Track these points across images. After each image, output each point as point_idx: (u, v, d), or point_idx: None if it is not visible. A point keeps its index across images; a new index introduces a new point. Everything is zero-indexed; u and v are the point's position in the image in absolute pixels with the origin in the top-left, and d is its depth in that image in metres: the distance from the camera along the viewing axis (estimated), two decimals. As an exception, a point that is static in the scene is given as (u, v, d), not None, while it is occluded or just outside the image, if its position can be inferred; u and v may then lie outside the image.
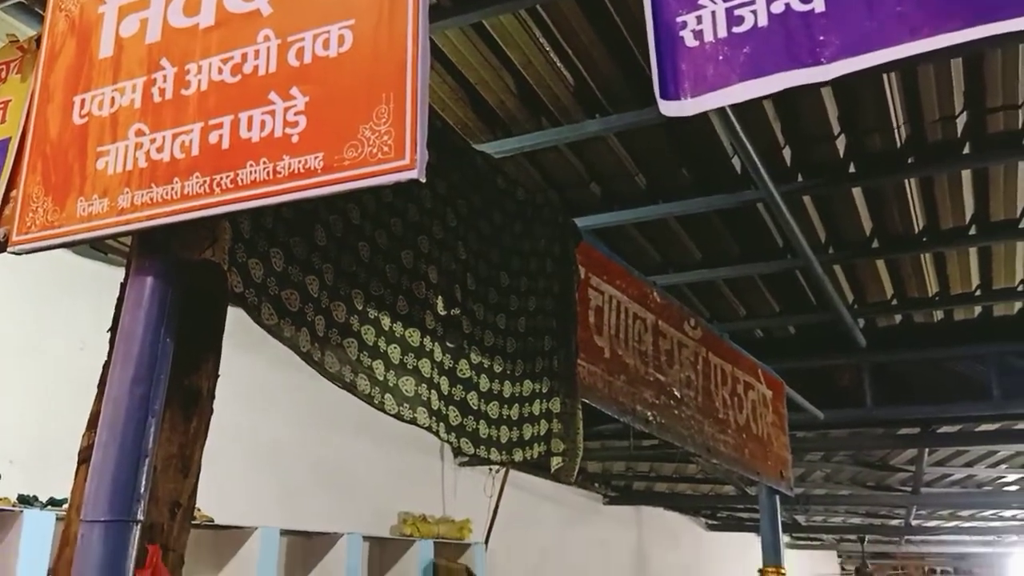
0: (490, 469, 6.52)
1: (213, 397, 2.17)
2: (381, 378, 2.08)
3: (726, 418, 4.11)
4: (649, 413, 3.42)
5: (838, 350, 4.98)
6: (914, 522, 8.83)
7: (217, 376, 2.14)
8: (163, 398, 1.73)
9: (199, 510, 4.08)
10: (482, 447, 2.37)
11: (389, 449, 5.60)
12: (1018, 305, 4.33)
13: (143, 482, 1.57)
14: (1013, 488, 7.23)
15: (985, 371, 4.72)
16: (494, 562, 6.10)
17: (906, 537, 9.87)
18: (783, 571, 4.51)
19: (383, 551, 5.52)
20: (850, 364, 5.06)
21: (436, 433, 2.22)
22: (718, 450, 4.00)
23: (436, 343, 2.27)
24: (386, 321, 2.13)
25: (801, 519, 9.49)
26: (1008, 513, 8.55)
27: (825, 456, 6.64)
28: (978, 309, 4.45)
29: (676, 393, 3.68)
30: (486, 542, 6.12)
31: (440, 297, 2.30)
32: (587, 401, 2.83)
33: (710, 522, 9.82)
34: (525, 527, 6.90)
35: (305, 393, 4.90)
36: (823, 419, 5.05)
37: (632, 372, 3.31)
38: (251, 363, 4.68)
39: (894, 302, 4.35)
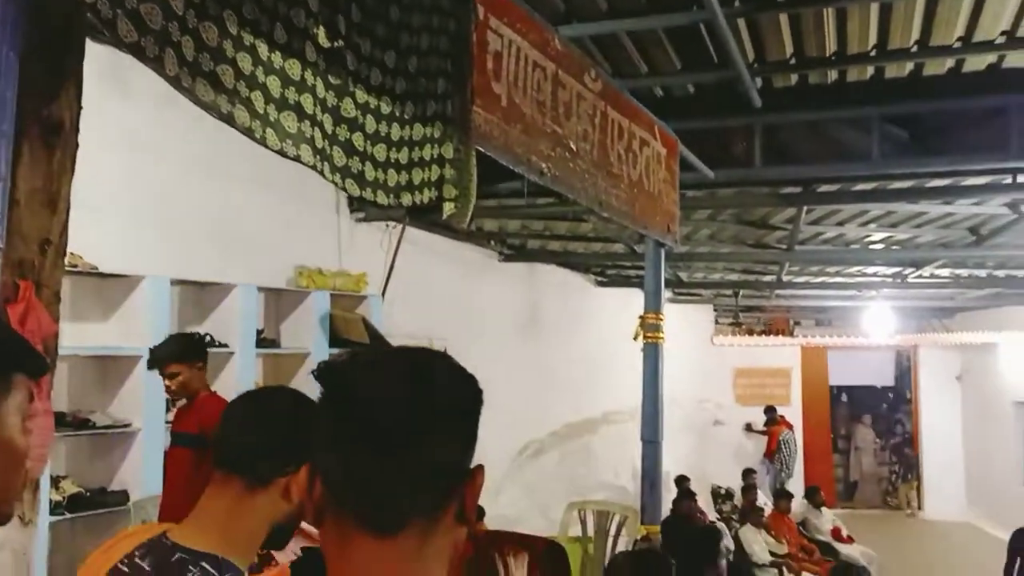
0: (386, 225, 6.53)
1: (77, 130, 2.03)
2: (261, 111, 1.95)
3: (620, 173, 4.16)
4: (544, 165, 3.41)
5: (734, 111, 5.02)
6: (785, 278, 9.50)
7: (80, 107, 1.99)
8: (12, 120, 1.59)
9: (81, 258, 3.96)
10: (368, 189, 2.32)
11: (284, 203, 5.49)
12: (909, 66, 4.39)
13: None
14: (879, 247, 7.80)
15: (867, 137, 4.87)
16: (391, 314, 6.27)
17: (776, 292, 10.65)
18: (661, 317, 4.80)
19: (279, 302, 5.58)
20: (744, 126, 5.12)
21: (321, 172, 2.15)
22: (610, 204, 4.07)
23: (318, 78, 2.13)
24: (263, 50, 1.96)
25: (684, 275, 10.06)
26: (871, 270, 9.28)
27: (711, 215, 6.91)
28: (871, 70, 4.50)
29: (572, 146, 3.66)
30: (383, 295, 6.26)
31: (321, 28, 2.13)
32: (481, 149, 2.77)
33: (599, 279, 10.30)
34: (422, 282, 7.07)
35: (197, 143, 4.67)
36: (713, 178, 5.18)
37: (529, 122, 3.24)
38: (137, 108, 4.39)
39: (792, 61, 4.34)
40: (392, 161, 2.42)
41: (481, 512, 5.92)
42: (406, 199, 2.50)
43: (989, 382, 13.55)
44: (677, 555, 3.25)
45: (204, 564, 1.31)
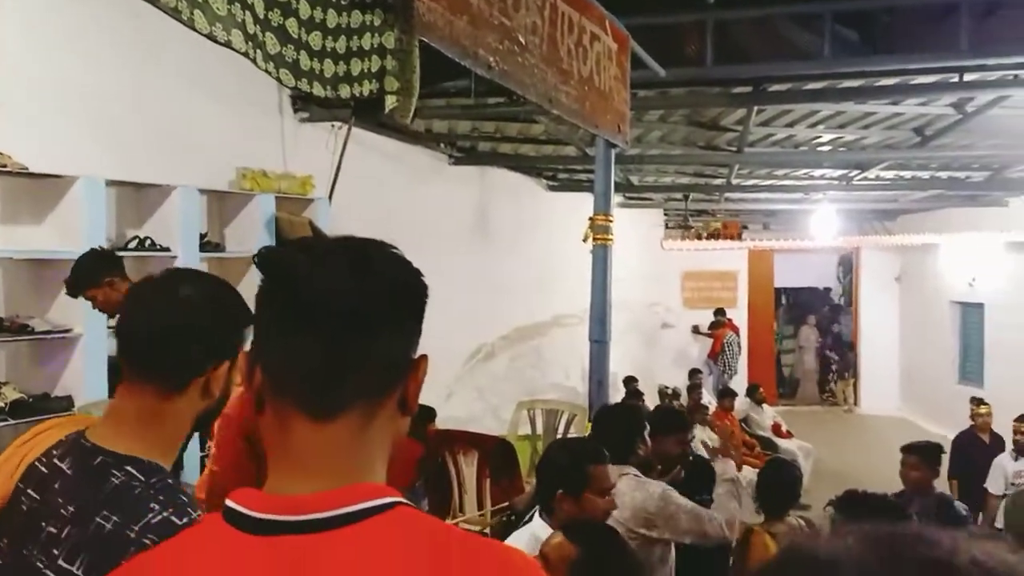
0: (332, 125, 6.35)
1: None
2: (186, -9, 1.83)
3: (570, 69, 4.06)
4: (492, 59, 3.30)
5: (685, 6, 4.93)
6: (735, 181, 9.54)
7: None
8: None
9: (10, 158, 3.78)
10: (304, 80, 2.22)
11: (225, 104, 5.30)
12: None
13: None
14: (827, 148, 7.85)
15: (818, 38, 4.83)
16: (339, 217, 6.17)
17: (726, 196, 10.72)
18: (611, 219, 4.79)
19: (222, 205, 5.44)
20: (695, 23, 5.02)
21: (254, 60, 2.04)
22: (559, 100, 3.99)
23: (248, -44, 2.00)
24: (186, -77, 1.83)
25: (635, 179, 10.05)
26: (818, 172, 9.37)
27: (662, 117, 6.85)
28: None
29: (521, 39, 3.55)
30: (330, 197, 6.13)
31: (250, -100, 1.99)
32: (425, 40, 2.67)
33: (550, 183, 10.24)
34: (370, 185, 6.94)
35: (133, 42, 4.45)
36: (663, 77, 5.10)
37: (475, 13, 3.12)
38: (67, 3, 4.15)
39: (745, -47, 4.24)
40: (328, 50, 2.32)
41: (432, 413, 6.01)
42: (344, 91, 2.40)
43: (927, 283, 14.00)
44: (604, 434, 3.32)
45: (129, 468, 1.24)
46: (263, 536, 0.84)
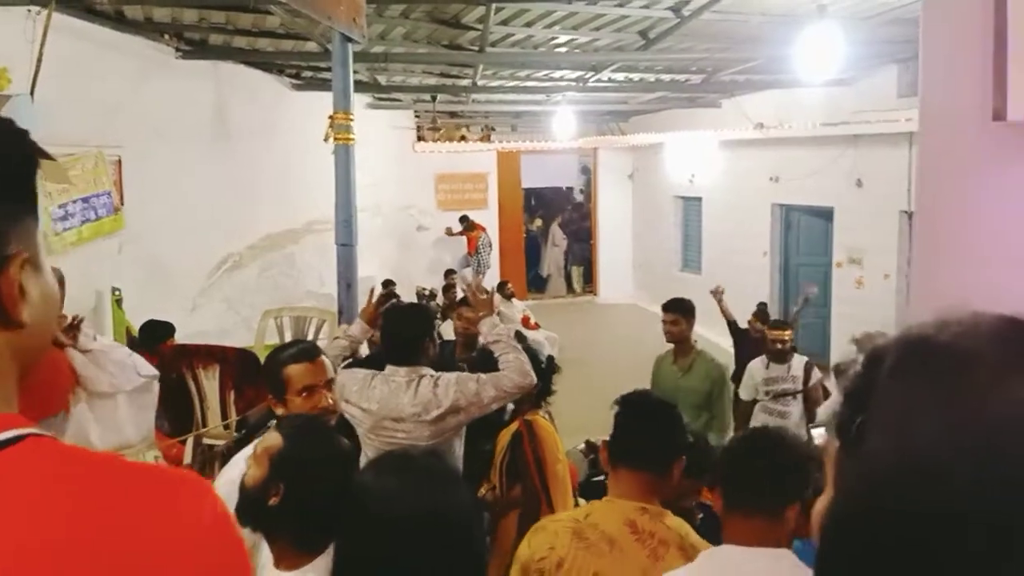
0: (29, 10, 5.57)
1: None
2: None
3: (298, -46, 3.86)
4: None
5: None
6: (480, 82, 9.67)
7: None
8: None
9: None
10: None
11: None
12: None
13: None
14: (563, 50, 8.14)
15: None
16: (46, 116, 5.50)
17: (472, 96, 10.85)
18: (351, 117, 4.69)
19: None
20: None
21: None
22: (289, -11, 3.79)
23: None
24: None
25: (382, 79, 9.85)
26: (558, 74, 9.73)
27: (404, 13, 6.73)
28: None
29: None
30: (31, 94, 5.43)
31: None
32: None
33: (295, 82, 9.76)
34: (83, 80, 6.23)
35: None
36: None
37: None
38: None
39: None
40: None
41: (169, 329, 5.70)
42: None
43: (655, 180, 15.23)
44: (393, 337, 3.28)
45: None
46: None
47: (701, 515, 2.96)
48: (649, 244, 15.78)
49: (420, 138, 14.33)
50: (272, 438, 1.86)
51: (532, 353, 3.49)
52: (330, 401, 2.58)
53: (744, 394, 5.74)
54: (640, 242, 16.37)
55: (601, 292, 16.77)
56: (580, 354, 10.89)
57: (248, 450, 2.06)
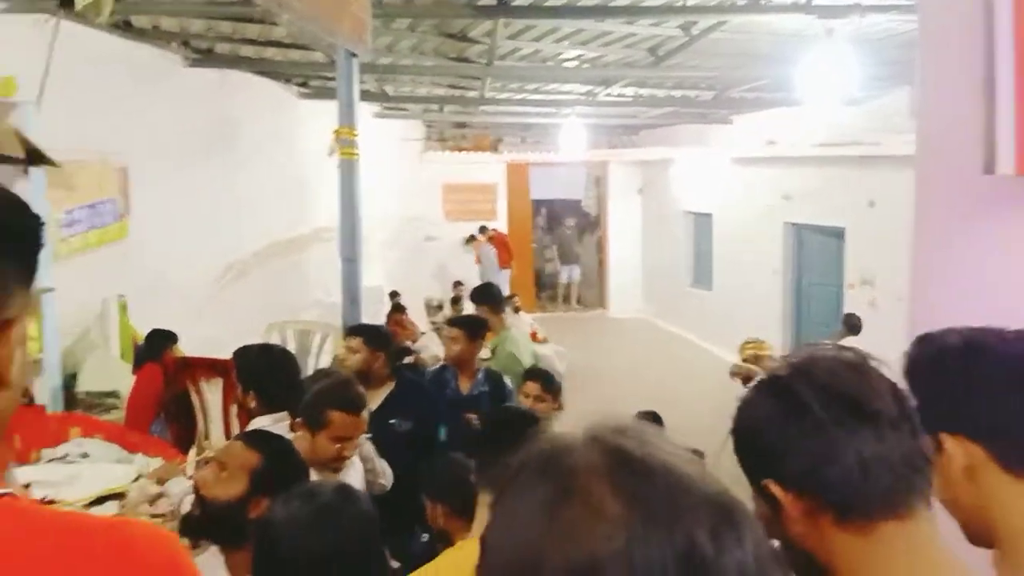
0: (36, 19, 5.58)
1: None
2: None
3: (301, -30, 3.83)
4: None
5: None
6: (488, 94, 9.65)
7: None
8: None
9: None
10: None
11: None
12: None
13: None
14: (572, 64, 8.11)
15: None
16: (52, 124, 5.49)
17: (481, 108, 10.83)
18: (355, 132, 4.67)
19: None
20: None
21: None
22: (291, 5, 3.77)
23: None
24: None
25: (390, 89, 9.85)
26: (567, 87, 9.70)
27: (411, 26, 6.71)
28: None
29: (240, -67, 3.29)
30: (38, 102, 5.43)
31: None
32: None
33: (303, 90, 9.77)
34: (90, 89, 6.22)
35: None
36: (408, -16, 4.96)
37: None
38: None
39: None
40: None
41: (173, 337, 5.67)
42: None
43: (665, 195, 15.16)
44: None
45: None
46: None
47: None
48: (659, 259, 15.71)
49: (428, 148, 14.34)
50: (247, 455, 1.87)
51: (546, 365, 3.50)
52: (347, 453, 2.62)
53: None
54: (650, 257, 16.30)
55: (611, 305, 16.70)
56: (590, 369, 10.80)
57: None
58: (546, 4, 5.66)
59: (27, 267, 0.82)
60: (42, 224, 0.82)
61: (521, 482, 0.64)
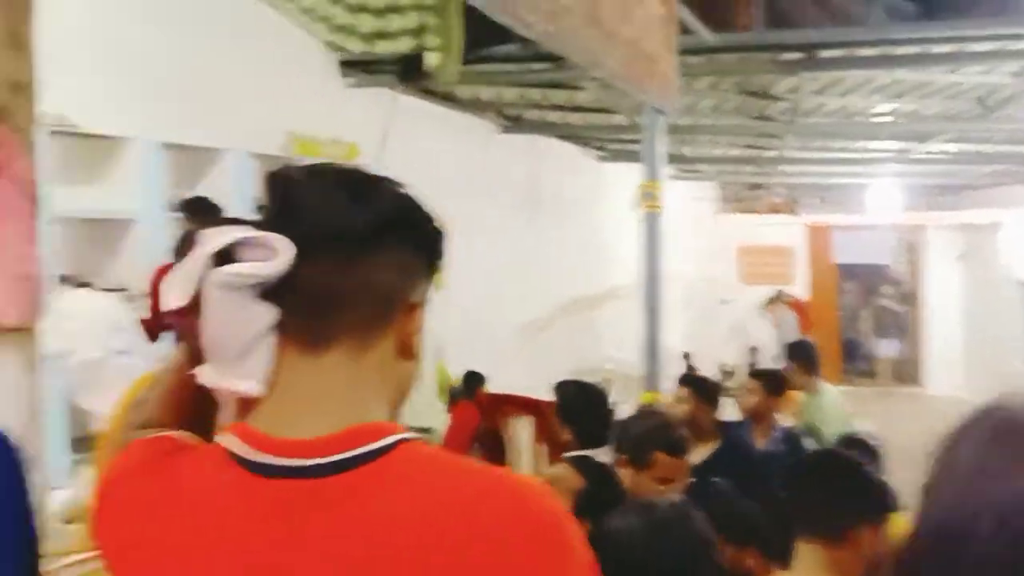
0: (380, 92, 6.40)
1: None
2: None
3: (614, 31, 4.04)
4: (533, 18, 3.31)
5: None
6: (788, 153, 9.37)
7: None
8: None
9: (64, 117, 3.91)
10: (339, 34, 2.27)
11: (269, 64, 5.32)
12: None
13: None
14: (885, 119, 7.64)
15: (871, 7, 4.72)
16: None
17: (780, 168, 10.53)
18: (659, 186, 4.76)
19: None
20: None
21: (289, 15, 2.10)
22: (605, 64, 3.97)
23: (283, -90, 2.05)
24: None
25: (687, 151, 9.93)
26: (874, 145, 9.13)
27: (712, 85, 6.75)
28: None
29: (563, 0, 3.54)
30: (377, 165, 6.20)
31: None
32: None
33: (601, 154, 10.17)
34: (418, 154, 6.97)
35: (183, 1, 4.47)
36: (712, 43, 5.04)
37: (514, -28, 3.13)
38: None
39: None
40: (364, 6, 2.36)
41: (481, 379, 6.08)
42: (382, 47, 2.45)
43: (992, 262, 13.54)
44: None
45: None
46: (266, 478, 0.82)
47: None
48: (985, 333, 13.99)
49: (722, 210, 14.14)
50: (572, 478, 1.97)
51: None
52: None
53: None
54: (974, 330, 14.58)
55: (927, 383, 15.13)
56: (902, 451, 9.79)
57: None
58: (859, 54, 5.42)
59: (429, 266, 0.96)
60: (443, 234, 0.98)
61: (963, 433, 0.85)
